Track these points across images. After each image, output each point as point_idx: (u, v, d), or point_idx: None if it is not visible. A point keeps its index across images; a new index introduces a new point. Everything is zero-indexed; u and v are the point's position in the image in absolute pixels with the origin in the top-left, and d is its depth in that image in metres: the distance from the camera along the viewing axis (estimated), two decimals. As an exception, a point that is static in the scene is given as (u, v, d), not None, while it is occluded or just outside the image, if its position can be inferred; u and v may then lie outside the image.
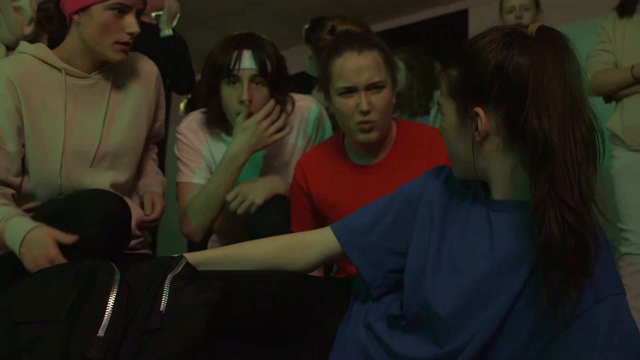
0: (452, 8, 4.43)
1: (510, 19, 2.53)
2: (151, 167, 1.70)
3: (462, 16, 4.39)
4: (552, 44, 0.83)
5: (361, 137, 1.40)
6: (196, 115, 1.72)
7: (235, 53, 1.53)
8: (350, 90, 1.38)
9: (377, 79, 1.37)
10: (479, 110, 0.88)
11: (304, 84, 2.32)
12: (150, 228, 1.59)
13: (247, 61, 1.53)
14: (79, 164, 1.42)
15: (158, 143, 1.78)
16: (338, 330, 1.08)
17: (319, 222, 1.55)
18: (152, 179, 1.66)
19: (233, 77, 1.54)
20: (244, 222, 1.56)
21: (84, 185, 1.41)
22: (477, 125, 0.88)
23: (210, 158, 1.70)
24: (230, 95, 1.56)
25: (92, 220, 1.23)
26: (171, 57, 2.38)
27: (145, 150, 1.65)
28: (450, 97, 0.92)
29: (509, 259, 0.89)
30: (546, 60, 0.81)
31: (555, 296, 0.80)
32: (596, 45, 2.11)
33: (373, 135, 1.40)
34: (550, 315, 0.82)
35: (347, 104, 1.39)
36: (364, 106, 1.36)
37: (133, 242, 1.52)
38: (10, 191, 1.33)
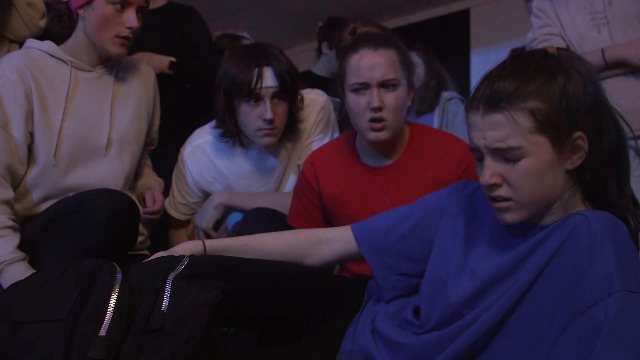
0: (453, 8, 4.44)
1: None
2: (147, 170, 1.73)
3: (463, 16, 4.39)
4: (583, 61, 0.90)
5: (372, 135, 1.39)
6: (200, 141, 1.71)
7: (256, 71, 1.51)
8: (363, 87, 1.37)
9: (390, 76, 1.36)
10: (581, 134, 0.86)
11: (310, 83, 2.31)
12: (153, 221, 1.60)
13: (270, 79, 1.52)
14: (84, 151, 1.44)
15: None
16: (347, 331, 1.09)
17: (326, 221, 1.55)
18: (150, 179, 1.69)
19: (254, 96, 1.53)
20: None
21: (86, 174, 1.43)
22: (573, 151, 0.87)
23: (221, 181, 1.72)
24: (251, 113, 1.55)
25: (100, 221, 1.22)
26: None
27: (141, 157, 1.67)
28: (540, 133, 0.85)
29: (532, 251, 0.90)
30: (595, 75, 0.88)
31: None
32: (539, 29, 1.92)
33: (384, 135, 1.38)
34: (567, 305, 0.83)
35: (359, 100, 1.38)
36: (375, 102, 1.35)
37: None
38: (10, 195, 1.34)
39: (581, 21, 1.83)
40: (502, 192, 0.89)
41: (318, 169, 1.53)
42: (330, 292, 1.13)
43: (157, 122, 1.68)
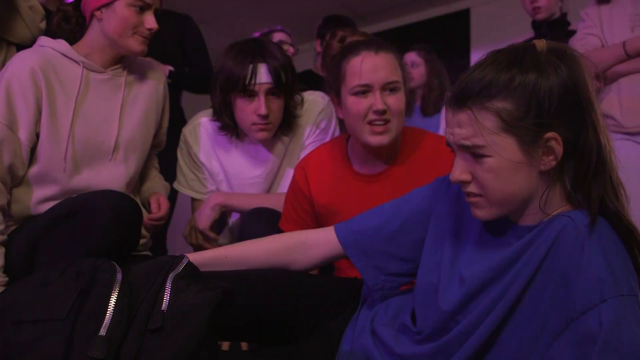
0: (453, 7, 4.44)
1: (527, 5, 2.39)
2: (154, 173, 1.73)
3: (463, 16, 4.39)
4: (574, 58, 0.86)
5: (374, 139, 1.35)
6: (202, 120, 1.73)
7: (251, 67, 1.53)
8: (365, 90, 1.34)
9: (393, 78, 1.35)
10: (555, 135, 0.83)
11: (310, 82, 2.32)
12: (156, 227, 1.60)
13: (264, 75, 1.53)
14: (91, 153, 1.44)
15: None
16: (345, 331, 1.08)
17: (318, 226, 1.53)
18: (156, 183, 1.69)
19: (249, 92, 1.55)
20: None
21: (91, 176, 1.43)
22: (545, 153, 0.84)
23: (219, 168, 1.73)
24: (247, 108, 1.57)
25: (103, 223, 1.22)
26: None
27: (148, 158, 1.67)
28: (506, 133, 0.83)
29: (520, 256, 0.89)
30: (582, 74, 0.84)
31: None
32: (581, 30, 2.05)
33: (386, 138, 1.35)
34: (559, 310, 0.82)
35: (360, 103, 1.34)
36: (379, 105, 1.32)
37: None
38: (4, 201, 1.33)
39: (619, 22, 1.94)
40: (472, 188, 0.89)
41: (309, 175, 1.51)
42: (326, 292, 1.13)
43: (165, 124, 1.68)
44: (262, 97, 1.54)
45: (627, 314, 0.77)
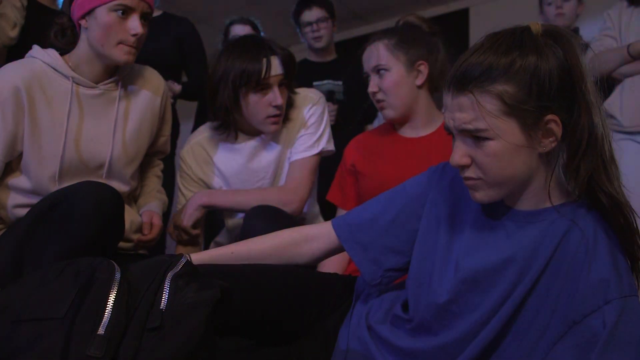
0: (453, 7, 4.45)
1: (550, 11, 2.42)
2: (154, 184, 1.69)
3: (463, 15, 4.40)
4: (568, 38, 0.85)
5: (382, 114, 1.67)
6: (199, 138, 1.74)
7: (265, 60, 1.58)
8: (366, 76, 1.66)
9: (375, 63, 1.62)
10: (554, 117, 0.83)
11: (309, 70, 2.35)
12: (147, 247, 1.59)
13: (278, 67, 1.60)
14: (81, 172, 1.41)
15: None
16: (340, 329, 1.08)
17: (360, 201, 1.65)
18: (153, 198, 1.65)
19: (262, 84, 1.59)
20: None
21: None
22: (544, 135, 0.84)
23: (220, 176, 1.73)
24: (260, 101, 1.60)
25: (84, 210, 1.20)
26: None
27: (151, 166, 1.65)
28: (508, 116, 0.82)
29: (522, 257, 0.89)
30: (575, 54, 0.83)
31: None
32: (601, 31, 2.15)
33: (387, 113, 1.64)
34: (561, 314, 0.83)
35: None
36: (372, 87, 1.63)
37: (129, 245, 1.52)
38: None
39: (636, 28, 2.03)
40: (470, 173, 0.88)
41: (355, 146, 1.73)
42: (322, 288, 1.13)
43: (167, 133, 1.66)
44: (276, 89, 1.60)
45: (631, 313, 0.78)
